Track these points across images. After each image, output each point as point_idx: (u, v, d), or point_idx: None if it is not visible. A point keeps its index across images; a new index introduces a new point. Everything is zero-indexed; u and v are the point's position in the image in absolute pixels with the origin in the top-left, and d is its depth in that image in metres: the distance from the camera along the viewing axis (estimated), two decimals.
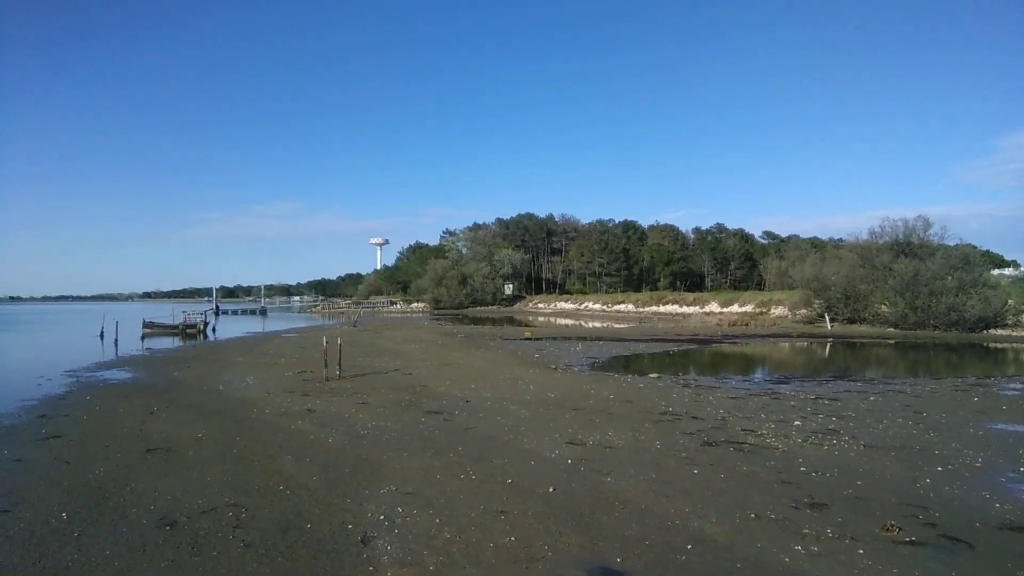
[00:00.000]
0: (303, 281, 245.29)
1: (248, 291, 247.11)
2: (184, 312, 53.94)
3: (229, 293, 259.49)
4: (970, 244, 48.91)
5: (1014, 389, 17.94)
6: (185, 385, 18.03)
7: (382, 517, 7.07)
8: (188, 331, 46.71)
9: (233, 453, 10.02)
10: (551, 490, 7.99)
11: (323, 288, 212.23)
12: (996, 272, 61.50)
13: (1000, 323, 40.81)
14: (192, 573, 5.70)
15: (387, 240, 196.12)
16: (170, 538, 6.50)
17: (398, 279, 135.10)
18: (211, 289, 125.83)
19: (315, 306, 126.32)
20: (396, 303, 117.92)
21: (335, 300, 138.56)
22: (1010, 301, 42.07)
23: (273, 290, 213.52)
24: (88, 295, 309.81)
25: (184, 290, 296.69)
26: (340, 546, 6.26)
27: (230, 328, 54.48)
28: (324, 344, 20.48)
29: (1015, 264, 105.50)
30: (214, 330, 50.33)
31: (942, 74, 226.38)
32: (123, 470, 9.07)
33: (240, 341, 37.58)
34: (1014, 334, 39.30)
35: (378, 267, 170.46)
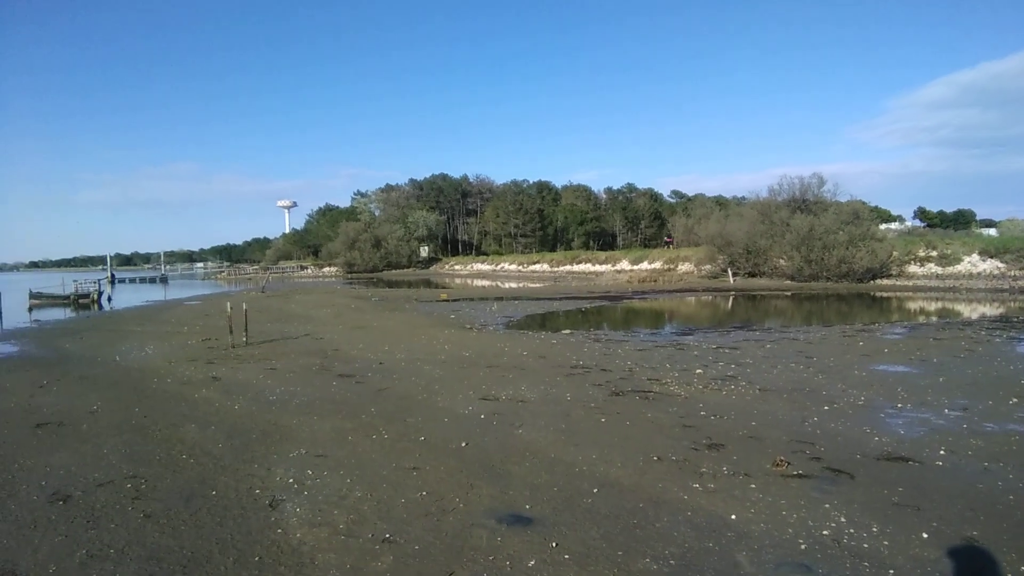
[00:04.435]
0: (206, 247, 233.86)
1: (147, 259, 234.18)
2: (76, 281, 50.61)
3: (126, 261, 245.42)
4: (860, 200, 52.37)
5: (895, 334, 19.45)
6: (78, 357, 16.96)
7: (291, 480, 6.96)
8: (81, 301, 44.01)
9: (131, 424, 9.57)
10: (463, 445, 8.09)
11: (228, 254, 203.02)
12: (883, 226, 66.11)
13: (885, 274, 44.02)
14: (88, 546, 5.44)
15: (295, 203, 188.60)
16: (64, 513, 6.17)
17: (308, 243, 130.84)
18: (105, 257, 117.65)
19: (220, 272, 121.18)
20: (307, 268, 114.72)
21: (242, 266, 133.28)
22: (895, 253, 45.39)
23: (174, 257, 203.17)
24: None
25: (75, 259, 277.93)
26: (247, 511, 6.13)
27: (127, 297, 51.45)
28: (229, 310, 19.71)
29: (900, 219, 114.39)
30: (109, 299, 47.59)
31: (836, 38, 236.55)
32: (10, 447, 8.50)
33: (138, 310, 35.60)
34: (898, 283, 42.53)
35: (287, 231, 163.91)
